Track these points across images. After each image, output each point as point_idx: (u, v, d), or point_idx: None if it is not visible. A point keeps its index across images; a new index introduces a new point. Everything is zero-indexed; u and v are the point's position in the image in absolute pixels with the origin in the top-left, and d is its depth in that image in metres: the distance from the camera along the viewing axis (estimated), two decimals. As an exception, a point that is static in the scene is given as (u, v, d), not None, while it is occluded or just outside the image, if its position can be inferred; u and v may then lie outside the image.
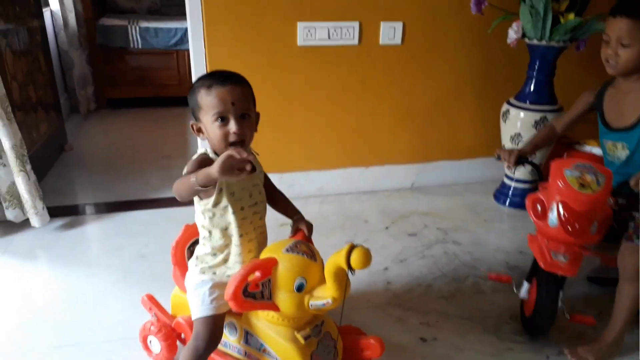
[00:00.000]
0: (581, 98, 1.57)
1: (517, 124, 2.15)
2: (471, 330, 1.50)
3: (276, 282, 1.13)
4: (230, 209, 1.14)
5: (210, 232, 1.18)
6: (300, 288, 1.12)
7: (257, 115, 1.19)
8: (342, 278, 1.11)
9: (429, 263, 1.84)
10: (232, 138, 1.10)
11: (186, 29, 3.42)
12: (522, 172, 2.24)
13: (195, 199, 1.16)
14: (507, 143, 2.22)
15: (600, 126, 1.48)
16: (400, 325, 1.52)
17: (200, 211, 1.17)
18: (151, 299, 1.42)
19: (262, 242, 1.25)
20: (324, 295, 1.11)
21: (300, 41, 2.07)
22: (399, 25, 2.15)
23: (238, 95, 1.10)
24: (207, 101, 1.10)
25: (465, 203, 2.33)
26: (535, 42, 2.01)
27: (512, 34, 2.04)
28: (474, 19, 2.12)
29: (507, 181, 2.33)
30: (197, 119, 1.15)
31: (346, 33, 2.10)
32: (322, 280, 1.14)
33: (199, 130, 1.15)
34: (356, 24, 2.10)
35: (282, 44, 2.07)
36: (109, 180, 2.51)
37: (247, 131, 1.13)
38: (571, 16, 1.92)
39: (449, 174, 2.48)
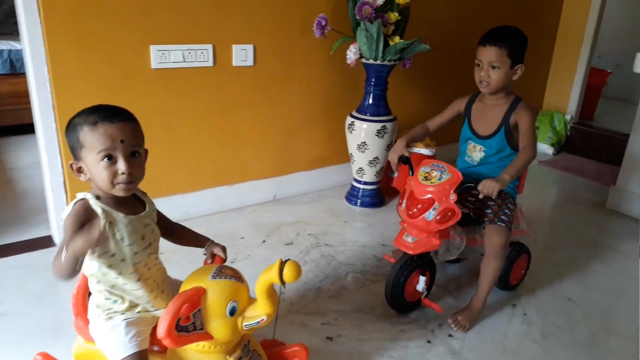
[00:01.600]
0: (453, 105, 1.84)
1: (362, 134, 2.42)
2: (366, 321, 1.68)
3: (207, 311, 1.13)
4: (120, 257, 1.08)
5: (100, 281, 1.10)
6: (233, 312, 1.14)
7: (146, 152, 1.13)
8: (274, 294, 1.17)
9: (312, 267, 1.97)
10: (121, 179, 1.03)
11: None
12: (369, 176, 2.54)
13: None
14: (354, 151, 2.49)
15: (466, 129, 1.78)
16: (305, 330, 1.62)
17: (87, 260, 1.07)
18: (46, 356, 1.26)
19: (160, 277, 1.21)
20: (258, 314, 1.16)
21: (154, 64, 2.02)
22: (250, 48, 2.24)
23: (128, 132, 1.04)
24: (92, 139, 1.01)
25: (324, 208, 2.53)
26: (371, 61, 2.30)
27: (351, 55, 2.31)
28: (318, 41, 2.34)
29: (356, 184, 2.60)
30: (77, 157, 1.06)
31: (201, 55, 2.12)
32: (251, 300, 1.19)
33: (79, 170, 1.06)
34: (210, 47, 2.13)
35: (136, 67, 1.99)
36: None
37: (137, 171, 1.07)
38: (397, 39, 2.25)
39: (305, 183, 2.66)
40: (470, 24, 3.04)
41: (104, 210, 1.05)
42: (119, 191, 1.05)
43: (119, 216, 1.07)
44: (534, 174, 3.22)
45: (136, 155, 1.07)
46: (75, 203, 1.05)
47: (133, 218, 1.10)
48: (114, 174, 1.03)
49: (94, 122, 1.02)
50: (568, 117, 3.77)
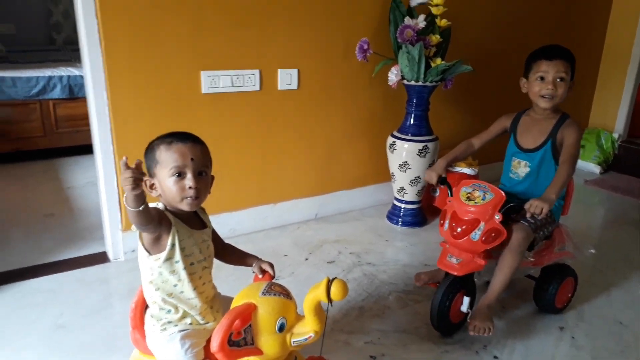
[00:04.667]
0: (499, 121, 1.87)
1: (403, 153, 2.45)
2: (409, 341, 1.69)
3: (258, 326, 1.17)
4: (181, 264, 1.16)
5: (158, 288, 1.18)
6: (281, 328, 1.18)
7: (212, 178, 1.24)
8: (321, 311, 1.20)
9: (354, 286, 1.99)
10: (189, 193, 1.14)
11: (49, 77, 3.24)
12: (410, 195, 2.55)
13: (142, 255, 1.17)
14: (395, 171, 2.51)
15: (511, 145, 1.80)
16: (349, 349, 1.64)
17: (149, 267, 1.17)
18: (105, 368, 1.33)
19: (211, 294, 1.28)
20: (306, 331, 1.19)
21: (204, 89, 2.12)
22: (294, 72, 2.32)
23: (197, 152, 1.16)
24: (167, 156, 1.13)
25: (365, 227, 2.56)
26: (412, 83, 2.33)
27: (393, 77, 2.35)
28: (359, 64, 2.40)
29: (397, 203, 2.62)
30: (151, 175, 1.17)
31: (248, 80, 2.21)
32: (299, 317, 1.22)
33: (152, 187, 1.16)
34: (257, 72, 2.22)
35: (187, 91, 2.10)
36: (-12, 250, 2.22)
37: (202, 188, 1.17)
38: (438, 61, 2.28)
39: (347, 202, 2.70)
40: (511, 45, 3.04)
41: (173, 219, 1.15)
42: (185, 206, 1.15)
43: (184, 228, 1.17)
44: (580, 194, 3.15)
45: (203, 175, 1.17)
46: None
47: (195, 232, 1.21)
48: (183, 189, 1.13)
49: (170, 142, 1.14)
50: (616, 135, 3.68)
